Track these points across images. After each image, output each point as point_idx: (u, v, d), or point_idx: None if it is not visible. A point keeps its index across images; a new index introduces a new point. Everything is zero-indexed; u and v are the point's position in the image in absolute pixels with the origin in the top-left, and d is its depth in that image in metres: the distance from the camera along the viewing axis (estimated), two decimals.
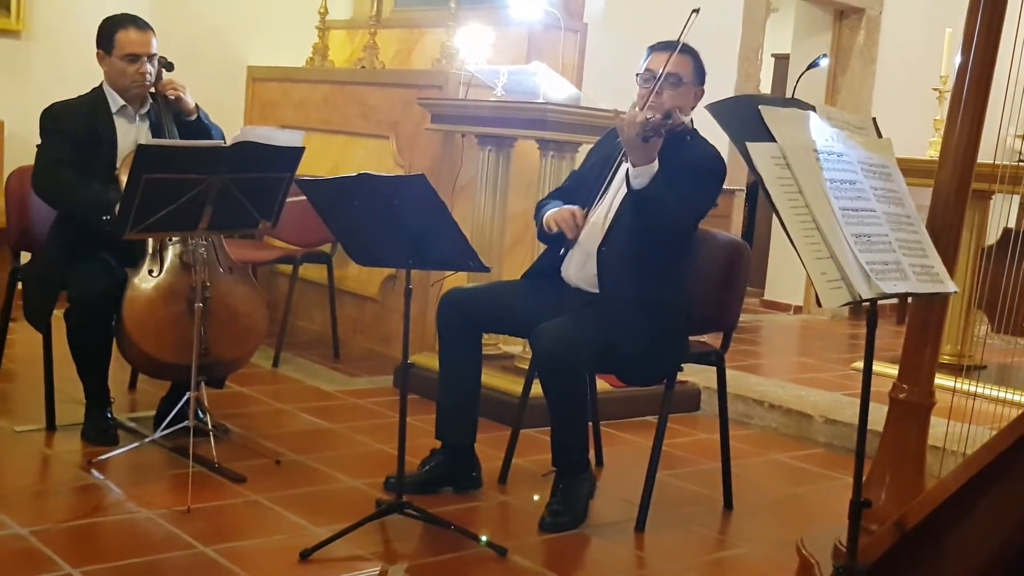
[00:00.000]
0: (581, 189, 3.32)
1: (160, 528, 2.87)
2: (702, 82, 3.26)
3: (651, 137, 2.90)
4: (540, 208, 3.38)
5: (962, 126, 2.76)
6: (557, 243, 3.27)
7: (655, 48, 3.24)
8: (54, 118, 3.55)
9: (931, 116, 5.46)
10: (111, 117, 3.58)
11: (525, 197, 4.51)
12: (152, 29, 3.61)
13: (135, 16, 3.62)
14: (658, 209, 2.99)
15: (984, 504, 2.29)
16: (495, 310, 3.33)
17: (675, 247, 3.16)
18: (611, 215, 3.17)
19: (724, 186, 6.72)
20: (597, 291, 3.18)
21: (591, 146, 3.60)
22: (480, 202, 4.45)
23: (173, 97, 3.58)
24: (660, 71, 3.14)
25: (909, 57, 7.02)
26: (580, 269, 3.24)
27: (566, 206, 3.23)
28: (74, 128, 3.52)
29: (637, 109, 3.08)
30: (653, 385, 3.31)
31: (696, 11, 3.02)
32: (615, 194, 3.19)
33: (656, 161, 2.96)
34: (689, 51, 3.23)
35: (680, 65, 3.18)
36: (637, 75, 3.24)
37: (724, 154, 3.25)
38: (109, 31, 3.58)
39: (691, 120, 3.24)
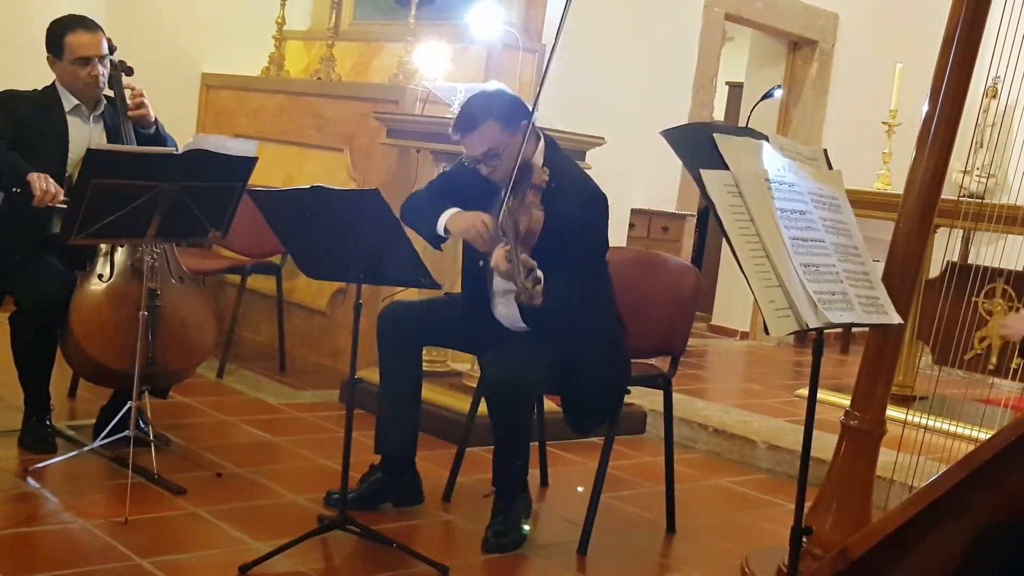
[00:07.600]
0: (468, 202, 3.10)
1: (96, 539, 2.82)
2: (518, 121, 3.01)
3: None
4: (418, 205, 3.20)
5: (930, 156, 2.83)
6: (474, 265, 3.15)
7: (457, 130, 3.04)
8: (5, 100, 3.49)
9: (880, 149, 5.55)
10: (63, 115, 3.51)
11: None
12: (101, 29, 3.53)
13: (83, 17, 3.51)
14: (561, 311, 2.87)
15: (929, 540, 2.31)
16: (435, 323, 3.29)
17: (593, 277, 3.08)
18: None
19: (675, 211, 6.70)
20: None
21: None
22: None
23: (137, 112, 3.51)
24: (476, 152, 3.00)
25: (860, 90, 7.14)
26: (507, 313, 3.16)
27: (471, 212, 3.02)
28: (24, 115, 3.46)
29: (499, 248, 2.82)
30: (599, 427, 3.25)
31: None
32: None
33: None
34: (484, 115, 3.01)
35: (488, 137, 3.00)
36: (464, 164, 3.09)
37: (594, 174, 3.11)
38: (57, 34, 3.48)
39: (542, 157, 3.09)
